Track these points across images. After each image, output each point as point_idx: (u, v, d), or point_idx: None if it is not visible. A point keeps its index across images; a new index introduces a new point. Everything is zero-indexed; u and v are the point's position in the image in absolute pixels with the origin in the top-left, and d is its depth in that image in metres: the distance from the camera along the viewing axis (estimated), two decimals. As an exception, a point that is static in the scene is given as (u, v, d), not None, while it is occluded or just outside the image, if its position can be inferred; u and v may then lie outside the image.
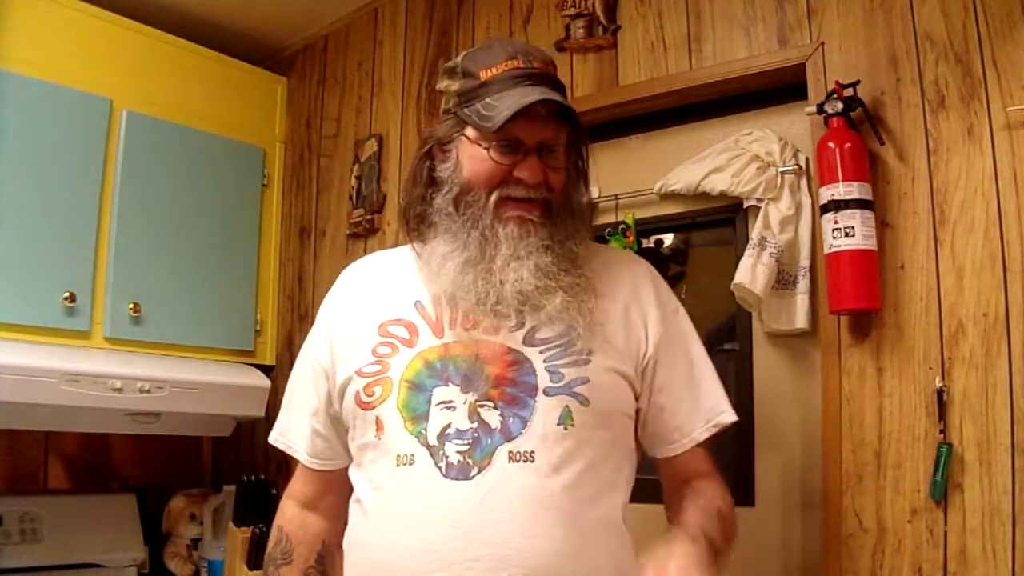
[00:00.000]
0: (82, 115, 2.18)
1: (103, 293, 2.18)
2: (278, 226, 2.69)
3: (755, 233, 1.73)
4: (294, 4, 2.56)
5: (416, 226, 1.21)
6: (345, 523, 1.23)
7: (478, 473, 1.05)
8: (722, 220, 1.92)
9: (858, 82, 1.60)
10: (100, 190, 2.20)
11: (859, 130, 1.59)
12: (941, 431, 1.47)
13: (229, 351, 2.47)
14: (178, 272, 2.35)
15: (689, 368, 1.22)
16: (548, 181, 1.15)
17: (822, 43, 1.69)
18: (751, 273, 1.69)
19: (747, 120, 1.88)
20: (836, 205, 1.55)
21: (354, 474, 1.19)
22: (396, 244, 2.31)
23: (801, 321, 1.72)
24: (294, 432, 1.30)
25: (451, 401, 1.09)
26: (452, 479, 1.05)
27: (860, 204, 1.54)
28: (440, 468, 1.06)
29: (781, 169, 1.76)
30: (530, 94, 1.09)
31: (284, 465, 2.52)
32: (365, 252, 2.43)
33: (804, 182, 1.76)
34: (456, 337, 1.12)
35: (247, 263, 2.57)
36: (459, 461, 1.05)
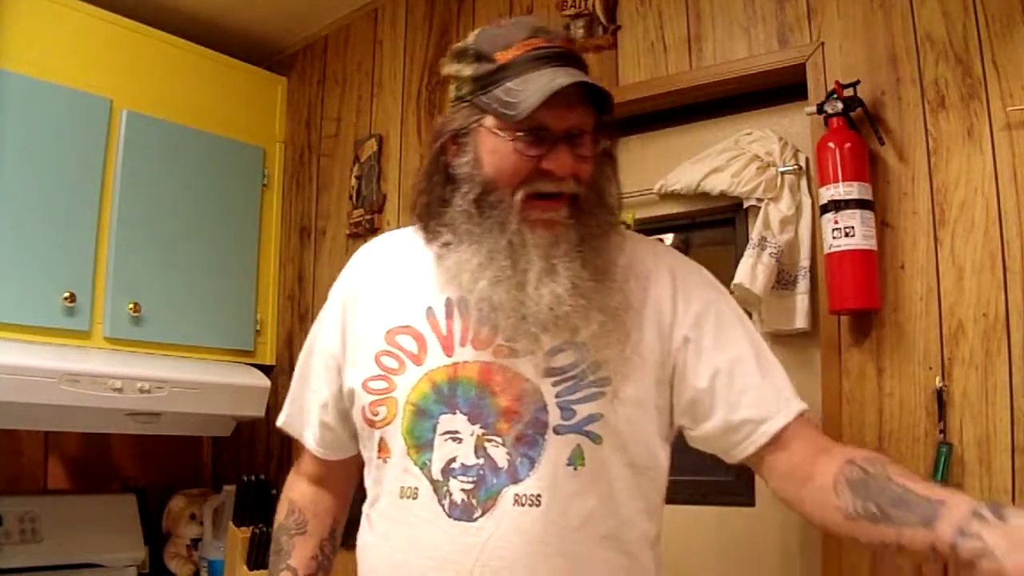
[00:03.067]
0: (82, 115, 2.18)
1: (103, 293, 2.18)
2: (278, 226, 2.69)
3: (755, 233, 1.73)
4: (294, 4, 2.56)
5: (434, 228, 1.09)
6: (350, 496, 1.26)
7: (481, 515, 0.99)
8: (722, 220, 1.92)
9: (858, 82, 1.60)
10: (100, 190, 2.20)
11: (859, 130, 1.59)
12: (941, 431, 1.47)
13: (229, 351, 2.47)
14: (178, 272, 2.35)
15: (744, 358, 1.06)
16: (576, 172, 1.03)
17: (822, 43, 1.69)
18: (751, 273, 1.69)
19: (747, 120, 1.88)
20: (836, 205, 1.55)
21: (366, 473, 1.15)
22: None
23: (801, 321, 1.72)
24: (302, 420, 1.25)
25: (457, 432, 1.02)
26: (455, 519, 1.00)
27: (860, 204, 1.54)
28: (443, 506, 1.01)
29: (781, 169, 1.76)
30: (558, 76, 0.97)
31: (284, 465, 2.52)
32: (365, 252, 2.43)
33: (804, 182, 1.76)
34: (467, 357, 1.04)
35: (247, 263, 2.57)
36: (463, 500, 1.00)
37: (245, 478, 2.28)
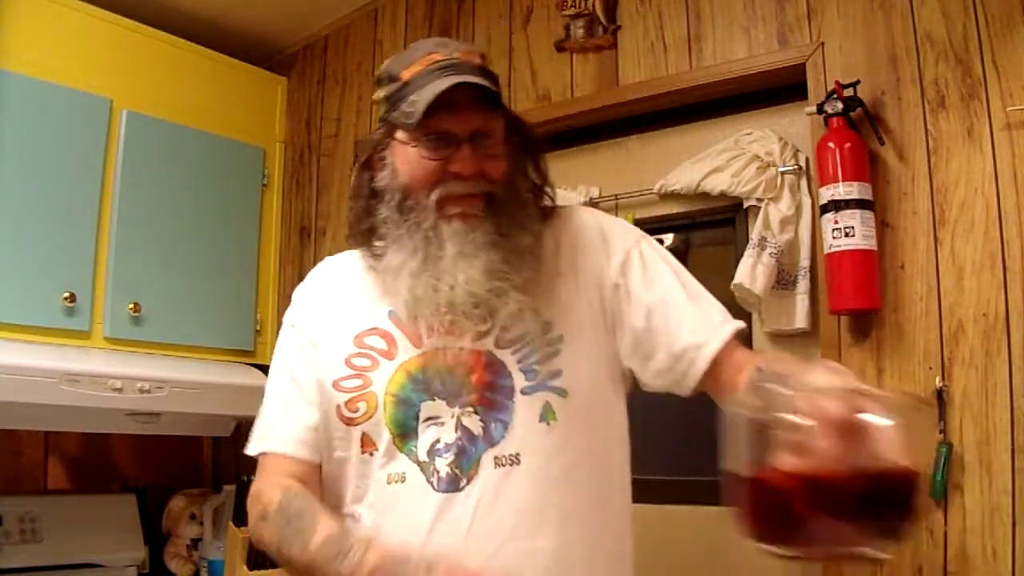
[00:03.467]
0: (82, 115, 2.18)
1: (103, 293, 2.18)
2: (278, 226, 2.68)
3: (755, 233, 1.73)
4: (294, 4, 2.56)
5: (366, 240, 1.17)
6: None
7: (467, 483, 1.04)
8: (722, 220, 1.93)
9: (858, 82, 1.60)
10: (100, 190, 2.20)
11: (859, 130, 1.59)
12: (941, 431, 1.47)
13: (229, 351, 2.46)
14: (178, 272, 2.34)
15: (672, 289, 1.12)
16: (486, 172, 1.08)
17: (822, 43, 1.69)
18: (751, 273, 1.69)
19: (747, 120, 1.88)
20: (836, 205, 1.55)
21: (337, 485, 1.13)
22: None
23: (801, 321, 1.72)
24: (282, 429, 1.17)
25: (438, 416, 1.07)
26: (443, 492, 1.04)
27: (860, 204, 1.54)
28: (432, 483, 1.05)
29: (781, 169, 1.76)
30: (447, 82, 1.03)
31: (284, 465, 2.52)
32: (365, 252, 2.43)
33: (804, 182, 1.76)
34: (435, 345, 1.09)
35: (247, 263, 2.56)
36: (448, 473, 1.04)
37: (245, 478, 2.28)
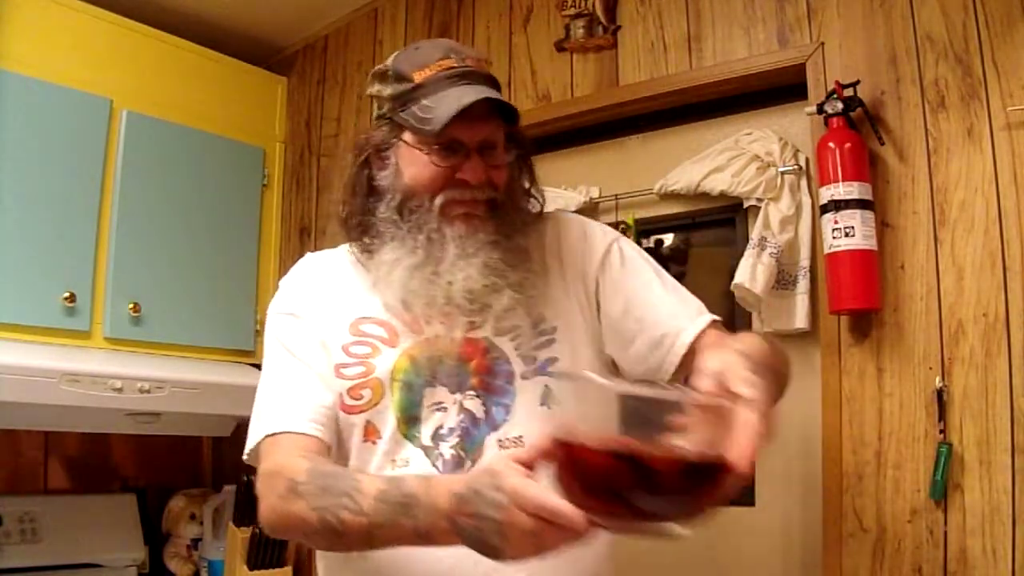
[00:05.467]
0: (82, 115, 2.18)
1: (103, 293, 2.18)
2: (278, 226, 2.68)
3: (755, 233, 1.73)
4: (294, 4, 2.56)
5: (359, 237, 1.17)
6: None
7: (472, 465, 1.05)
8: (722, 220, 1.93)
9: (858, 82, 1.60)
10: (100, 190, 2.20)
11: (859, 130, 1.59)
12: (941, 431, 1.47)
13: (229, 351, 2.46)
14: (178, 272, 2.34)
15: (650, 282, 1.17)
16: (491, 179, 1.12)
17: (822, 43, 1.69)
18: (751, 273, 1.69)
19: (747, 120, 1.89)
20: (836, 205, 1.55)
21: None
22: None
23: (801, 321, 1.72)
24: (297, 410, 1.09)
25: (442, 402, 1.09)
26: (448, 473, 1.05)
27: (860, 204, 1.54)
28: (437, 467, 1.06)
29: (781, 169, 1.76)
30: (467, 94, 1.06)
31: (284, 465, 2.52)
32: (365, 252, 2.43)
33: (804, 182, 1.76)
34: (436, 332, 1.11)
35: (247, 263, 2.56)
36: (452, 455, 1.06)
37: (245, 478, 2.28)
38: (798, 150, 1.78)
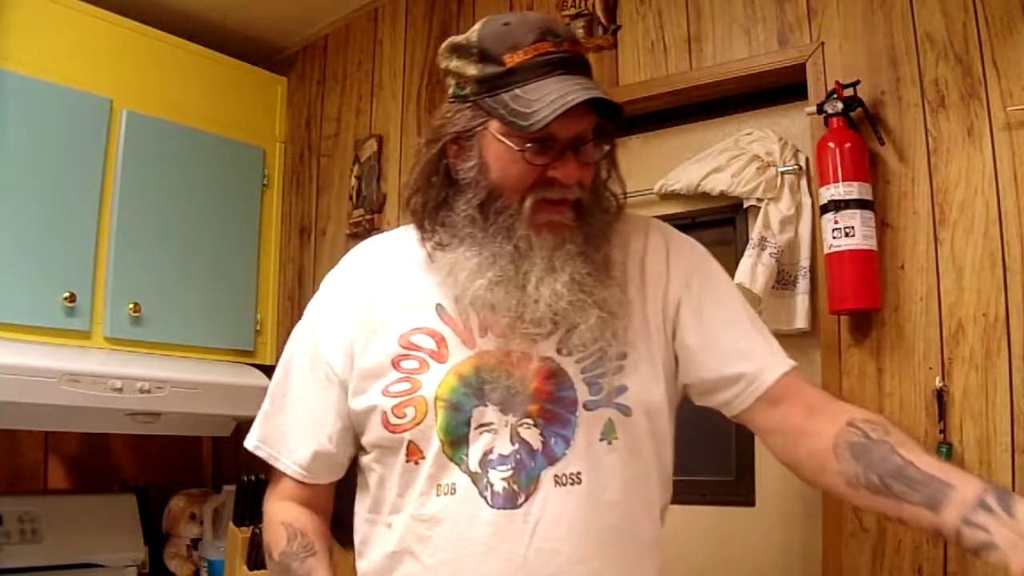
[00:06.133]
0: (82, 115, 2.18)
1: (103, 293, 2.18)
2: (278, 226, 2.68)
3: (755, 233, 1.73)
4: (294, 4, 2.56)
5: (432, 230, 1.08)
6: (330, 516, 1.20)
7: (525, 500, 0.99)
8: (722, 220, 1.93)
9: (858, 82, 1.60)
10: (100, 190, 2.20)
11: (859, 130, 1.59)
12: (941, 431, 1.47)
13: (229, 351, 2.46)
14: (178, 272, 2.34)
15: (733, 313, 1.11)
16: (582, 179, 1.04)
17: (822, 43, 1.69)
18: (751, 273, 1.69)
19: (747, 120, 1.89)
20: (836, 205, 1.55)
21: (376, 494, 1.10)
22: (396, 244, 2.31)
23: (801, 321, 1.72)
24: (285, 444, 1.16)
25: (491, 423, 1.02)
26: (499, 508, 0.99)
27: (860, 204, 1.54)
28: (485, 498, 1.00)
29: (781, 169, 1.76)
30: (570, 90, 0.97)
31: (284, 465, 2.52)
32: (365, 252, 2.43)
33: (804, 182, 1.76)
34: (488, 346, 1.04)
35: (247, 263, 2.56)
36: (504, 489, 1.00)
37: (245, 478, 2.28)
38: (798, 150, 1.78)
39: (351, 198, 2.49)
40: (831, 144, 1.57)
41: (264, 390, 2.36)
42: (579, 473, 1.01)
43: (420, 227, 1.10)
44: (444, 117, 1.06)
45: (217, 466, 2.79)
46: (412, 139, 2.38)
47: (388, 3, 2.52)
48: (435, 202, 1.08)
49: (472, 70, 1.03)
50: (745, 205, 1.81)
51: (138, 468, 2.60)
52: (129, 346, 2.22)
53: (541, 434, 1.01)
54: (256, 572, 2.18)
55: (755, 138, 1.82)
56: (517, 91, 0.99)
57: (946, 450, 1.45)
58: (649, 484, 1.07)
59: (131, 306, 2.20)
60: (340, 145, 2.59)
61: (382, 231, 2.38)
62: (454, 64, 1.05)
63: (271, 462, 1.17)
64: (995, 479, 1.42)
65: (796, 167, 1.75)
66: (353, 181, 2.49)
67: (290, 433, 1.15)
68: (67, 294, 2.09)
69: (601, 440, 1.02)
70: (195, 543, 2.47)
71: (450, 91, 1.07)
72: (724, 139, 1.88)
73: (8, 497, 2.21)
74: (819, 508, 1.63)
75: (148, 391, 2.12)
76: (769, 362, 1.07)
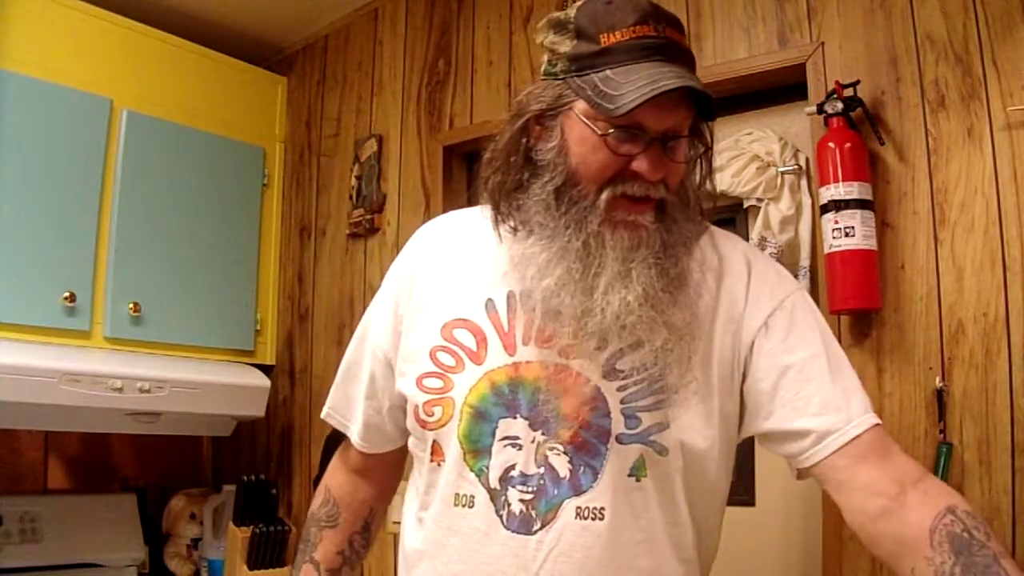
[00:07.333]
0: (82, 115, 2.18)
1: (103, 293, 2.18)
2: (278, 226, 2.69)
3: (755, 233, 1.73)
4: (294, 4, 2.56)
5: (507, 212, 1.01)
6: (393, 487, 1.24)
7: (541, 528, 0.95)
8: (722, 220, 1.92)
9: (858, 82, 1.60)
10: (100, 190, 2.20)
11: (859, 130, 1.59)
12: (941, 431, 1.47)
13: (229, 351, 2.47)
14: (178, 272, 2.35)
15: (814, 359, 0.99)
16: (667, 177, 0.96)
17: (822, 43, 1.69)
18: (751, 273, 1.69)
19: (747, 120, 1.88)
20: (836, 205, 1.55)
21: (416, 472, 1.10)
22: (396, 244, 2.31)
23: (801, 321, 1.71)
24: (348, 411, 1.19)
25: (517, 438, 0.97)
26: (513, 531, 0.96)
27: (860, 204, 1.54)
28: (501, 517, 0.97)
29: (781, 169, 1.76)
30: (663, 76, 0.89)
31: (284, 465, 2.52)
32: (365, 252, 2.43)
33: (804, 182, 1.76)
34: (529, 356, 0.98)
35: (247, 263, 2.57)
36: (521, 512, 0.96)
37: (245, 478, 2.28)
38: (798, 150, 1.78)
39: (351, 198, 2.49)
40: (831, 144, 1.57)
41: (264, 390, 2.39)
42: (603, 508, 0.95)
43: (496, 208, 1.03)
44: (530, 93, 1.00)
45: (217, 466, 2.79)
46: (412, 139, 2.39)
47: (388, 3, 2.52)
48: (512, 183, 1.01)
49: (565, 47, 0.97)
50: (745, 205, 1.81)
51: (138, 468, 2.61)
52: (129, 346, 2.22)
53: (570, 462, 0.96)
54: (256, 572, 2.19)
55: (755, 138, 1.82)
56: (608, 72, 0.93)
57: (946, 450, 1.45)
58: (678, 524, 0.99)
59: (131, 306, 2.21)
60: (340, 145, 2.59)
61: (382, 231, 2.39)
62: (549, 40, 1.00)
63: (342, 429, 1.21)
64: (995, 479, 1.42)
65: (796, 167, 1.75)
66: (353, 181, 2.50)
67: (355, 402, 1.18)
68: (67, 294, 2.09)
69: (629, 476, 0.96)
70: (195, 543, 2.48)
71: (543, 68, 1.02)
72: (724, 139, 1.88)
73: (8, 497, 2.21)
74: (819, 509, 1.63)
75: (148, 391, 2.12)
76: (841, 421, 0.95)
